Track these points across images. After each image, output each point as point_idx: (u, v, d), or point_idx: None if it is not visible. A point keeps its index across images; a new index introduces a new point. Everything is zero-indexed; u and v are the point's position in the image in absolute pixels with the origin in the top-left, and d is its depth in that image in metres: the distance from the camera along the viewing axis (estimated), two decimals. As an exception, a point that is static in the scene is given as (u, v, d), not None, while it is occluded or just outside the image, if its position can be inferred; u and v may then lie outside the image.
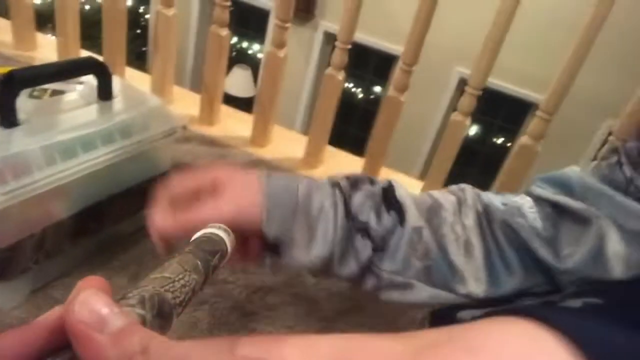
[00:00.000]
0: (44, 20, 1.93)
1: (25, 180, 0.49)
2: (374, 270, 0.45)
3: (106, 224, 0.65)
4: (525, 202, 0.45)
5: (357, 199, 0.44)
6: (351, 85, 4.38)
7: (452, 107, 3.73)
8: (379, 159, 0.99)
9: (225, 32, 0.99)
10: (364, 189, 0.45)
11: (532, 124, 0.87)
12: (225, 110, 1.13)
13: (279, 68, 0.97)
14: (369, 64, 4.23)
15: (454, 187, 0.49)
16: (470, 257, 0.43)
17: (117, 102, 0.61)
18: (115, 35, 1.05)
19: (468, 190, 0.48)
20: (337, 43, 0.91)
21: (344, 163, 1.08)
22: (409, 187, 0.48)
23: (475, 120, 1.18)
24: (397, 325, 0.75)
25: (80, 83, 0.64)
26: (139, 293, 0.22)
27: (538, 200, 0.44)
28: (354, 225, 0.43)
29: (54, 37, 1.14)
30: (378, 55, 4.00)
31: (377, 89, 4.39)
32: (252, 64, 4.36)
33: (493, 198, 0.46)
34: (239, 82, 4.17)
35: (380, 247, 0.44)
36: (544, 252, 0.41)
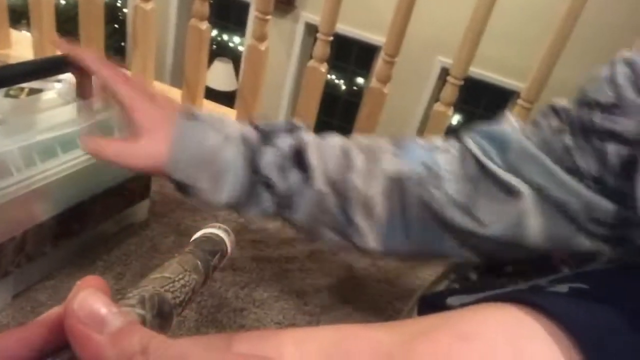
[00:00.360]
0: (18, 16, 1.88)
1: (4, 183, 0.48)
2: (284, 217, 0.46)
3: (89, 225, 0.64)
4: (446, 159, 0.43)
5: (266, 155, 0.44)
6: (334, 76, 4.37)
7: (435, 97, 3.75)
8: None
9: (205, 25, 0.98)
10: (276, 145, 0.45)
11: (514, 113, 0.88)
12: (207, 105, 1.12)
13: (261, 61, 0.96)
14: (351, 55, 4.22)
15: (375, 143, 0.47)
16: (370, 219, 0.44)
17: (97, 100, 0.60)
18: (92, 30, 1.03)
19: (387, 151, 0.46)
20: (318, 35, 0.91)
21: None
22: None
23: (457, 109, 1.18)
24: (383, 316, 0.76)
25: (59, 81, 0.62)
26: (139, 293, 0.22)
27: (466, 152, 0.43)
28: (259, 180, 0.44)
29: (29, 34, 1.11)
30: (360, 46, 4.00)
31: (360, 80, 4.39)
32: (233, 56, 4.32)
33: (412, 157, 0.44)
34: (220, 75, 4.13)
35: (284, 203, 0.45)
36: (460, 219, 0.41)
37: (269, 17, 0.92)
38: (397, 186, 0.44)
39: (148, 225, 0.78)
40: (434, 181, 0.43)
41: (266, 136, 0.45)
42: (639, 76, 0.34)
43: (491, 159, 0.41)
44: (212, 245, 0.30)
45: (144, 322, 0.21)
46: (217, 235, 0.31)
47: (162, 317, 0.22)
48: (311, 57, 0.95)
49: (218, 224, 0.32)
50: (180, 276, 0.25)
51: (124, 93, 0.44)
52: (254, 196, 0.45)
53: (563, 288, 0.31)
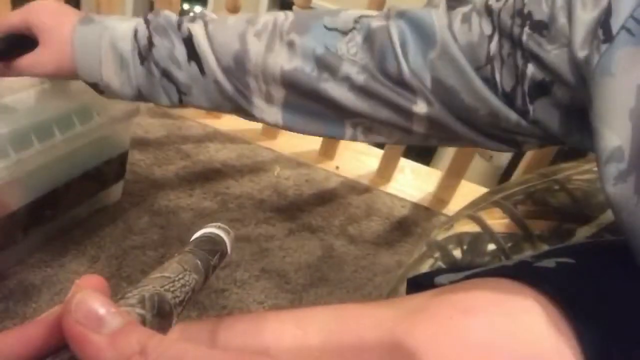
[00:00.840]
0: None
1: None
2: (189, 104, 0.49)
3: (62, 210, 0.61)
4: (348, 47, 0.42)
5: (159, 46, 0.46)
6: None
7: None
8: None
9: (174, -5, 0.93)
10: (167, 36, 0.46)
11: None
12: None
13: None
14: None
15: (276, 27, 0.45)
16: (269, 101, 0.46)
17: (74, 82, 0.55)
18: None
19: (285, 42, 0.44)
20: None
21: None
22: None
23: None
24: (363, 292, 0.77)
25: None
26: (139, 293, 0.21)
27: (378, 34, 0.41)
28: (155, 71, 0.46)
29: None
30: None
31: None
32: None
33: (309, 46, 0.43)
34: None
35: (185, 92, 0.47)
36: (354, 104, 0.42)
37: (242, -13, 0.88)
38: (292, 78, 0.44)
39: (121, 206, 0.75)
40: (330, 70, 0.42)
41: (159, 29, 0.46)
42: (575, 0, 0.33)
43: (409, 58, 0.40)
44: (212, 245, 0.30)
45: (143, 322, 0.20)
46: (217, 235, 0.31)
47: (162, 317, 0.21)
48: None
49: (218, 224, 0.32)
50: (181, 276, 0.24)
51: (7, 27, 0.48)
52: (158, 87, 0.47)
53: (550, 263, 0.32)
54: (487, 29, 0.38)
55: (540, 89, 0.36)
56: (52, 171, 0.53)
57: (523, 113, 0.38)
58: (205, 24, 0.46)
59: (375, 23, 0.42)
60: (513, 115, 0.38)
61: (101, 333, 0.17)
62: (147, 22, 0.47)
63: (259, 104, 0.46)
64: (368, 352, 0.29)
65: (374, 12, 0.44)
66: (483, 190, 1.06)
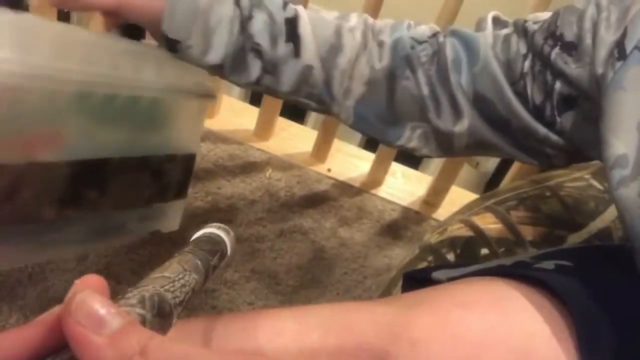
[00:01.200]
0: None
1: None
2: (267, 85, 0.48)
3: (108, 201, 0.39)
4: (424, 52, 0.47)
5: (258, 20, 0.45)
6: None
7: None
8: (332, 131, 0.99)
9: None
10: (268, 12, 0.46)
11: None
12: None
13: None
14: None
15: (369, 27, 0.48)
16: (348, 96, 0.48)
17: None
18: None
19: (375, 42, 0.47)
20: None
21: (295, 135, 1.06)
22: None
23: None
24: (353, 294, 0.77)
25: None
26: (139, 293, 0.21)
27: (438, 50, 0.46)
28: (247, 44, 0.45)
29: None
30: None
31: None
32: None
33: (397, 49, 0.47)
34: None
35: (270, 70, 0.46)
36: (415, 110, 0.46)
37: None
38: (378, 76, 0.46)
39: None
40: (411, 69, 0.46)
41: (262, 3, 0.45)
42: (600, 22, 0.36)
43: (458, 71, 0.44)
44: (212, 245, 0.30)
45: (143, 322, 0.20)
46: (217, 235, 0.31)
47: (162, 317, 0.22)
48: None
49: (218, 224, 0.32)
50: (180, 276, 0.24)
51: None
52: (242, 60, 0.46)
53: (549, 265, 0.33)
54: (523, 48, 0.42)
55: (567, 103, 0.40)
56: (109, 119, 0.36)
57: (551, 125, 0.41)
58: (307, 9, 0.47)
59: (440, 40, 0.46)
60: (542, 129, 0.41)
61: (101, 334, 0.17)
62: None
63: (338, 97, 0.47)
64: (367, 346, 0.29)
65: (439, 29, 0.48)
66: (472, 196, 1.07)
